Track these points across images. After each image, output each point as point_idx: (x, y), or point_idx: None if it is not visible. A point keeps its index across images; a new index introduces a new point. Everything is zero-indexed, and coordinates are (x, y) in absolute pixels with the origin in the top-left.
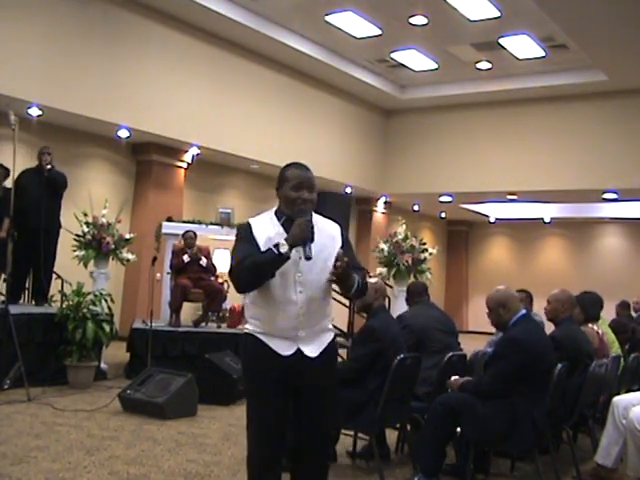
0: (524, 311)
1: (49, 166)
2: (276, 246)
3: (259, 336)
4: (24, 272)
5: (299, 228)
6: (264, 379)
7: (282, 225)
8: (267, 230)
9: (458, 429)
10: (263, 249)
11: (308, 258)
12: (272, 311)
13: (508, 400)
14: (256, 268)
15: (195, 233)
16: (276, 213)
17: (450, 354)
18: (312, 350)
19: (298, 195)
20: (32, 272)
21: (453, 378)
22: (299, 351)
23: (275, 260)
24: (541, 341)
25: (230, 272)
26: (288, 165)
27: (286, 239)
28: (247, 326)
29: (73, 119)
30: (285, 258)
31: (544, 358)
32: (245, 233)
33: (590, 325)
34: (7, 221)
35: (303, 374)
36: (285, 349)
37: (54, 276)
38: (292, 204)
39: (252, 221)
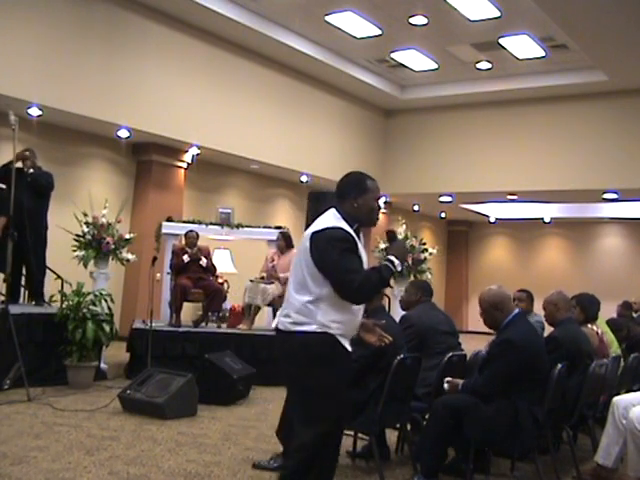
0: (517, 311)
1: (31, 170)
2: (391, 262)
3: (338, 337)
4: (17, 273)
5: (404, 247)
6: (342, 379)
7: (355, 231)
8: (359, 243)
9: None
10: (363, 260)
11: (400, 273)
12: (353, 314)
13: (509, 400)
14: (382, 284)
15: (198, 233)
16: (344, 218)
17: (450, 354)
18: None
19: (378, 205)
20: (25, 273)
21: (448, 379)
22: (353, 349)
23: (391, 275)
24: (535, 341)
25: (358, 287)
26: (363, 175)
27: (395, 256)
28: (322, 328)
29: (73, 119)
30: None
31: (539, 357)
32: (352, 244)
33: (590, 325)
34: (3, 219)
35: (351, 370)
36: (349, 346)
37: (54, 276)
38: (372, 213)
39: (349, 230)
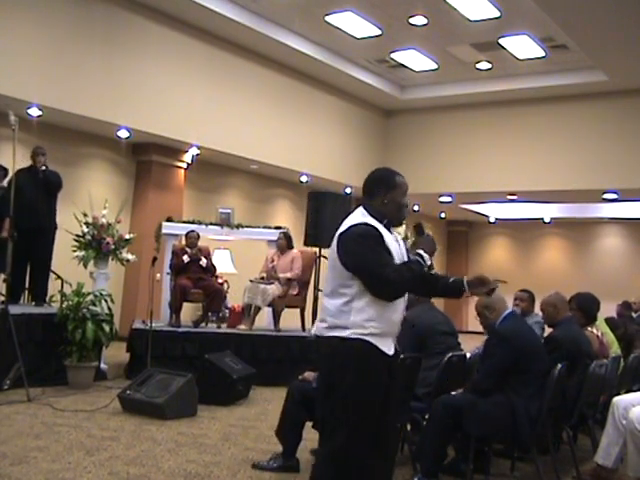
0: (510, 310)
1: (43, 167)
2: (421, 257)
3: (370, 339)
4: (22, 272)
5: (432, 241)
6: (374, 386)
7: (385, 227)
8: (387, 236)
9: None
10: (394, 255)
11: (431, 268)
12: (392, 308)
13: (505, 394)
14: (415, 280)
15: (198, 234)
16: (372, 215)
17: (450, 354)
18: (396, 345)
19: (406, 201)
20: (30, 273)
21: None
22: (395, 348)
23: (423, 270)
24: (527, 335)
25: (390, 282)
26: (391, 171)
27: (425, 251)
28: (357, 332)
29: (73, 119)
30: None
31: (532, 351)
32: (379, 239)
33: (590, 328)
34: (7, 221)
35: (394, 372)
36: (390, 348)
37: (53, 276)
38: (400, 210)
39: (377, 226)
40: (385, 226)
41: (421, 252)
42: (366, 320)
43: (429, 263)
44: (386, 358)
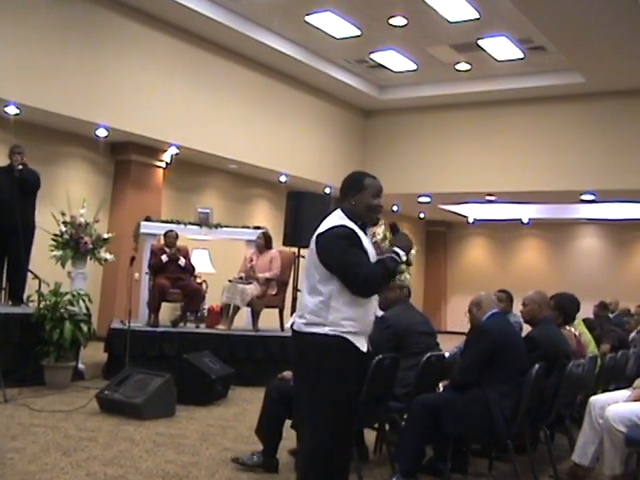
0: (496, 309)
1: (20, 166)
2: (396, 254)
3: (347, 336)
4: None
5: (408, 238)
6: (351, 382)
7: (360, 228)
8: (363, 236)
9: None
10: (369, 254)
11: (410, 264)
12: (367, 308)
13: (481, 389)
14: (389, 276)
15: (177, 233)
16: (348, 217)
17: (428, 354)
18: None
19: (377, 202)
20: (6, 273)
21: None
22: (368, 346)
23: (398, 266)
24: (509, 333)
25: (364, 280)
26: (361, 174)
27: (400, 247)
28: (335, 330)
29: (51, 118)
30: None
31: (512, 349)
32: (355, 240)
33: (567, 327)
34: None
35: (366, 369)
36: (363, 345)
37: (31, 276)
38: (372, 210)
39: (354, 228)
40: (360, 227)
41: (397, 249)
42: (343, 319)
43: (404, 259)
44: (361, 355)
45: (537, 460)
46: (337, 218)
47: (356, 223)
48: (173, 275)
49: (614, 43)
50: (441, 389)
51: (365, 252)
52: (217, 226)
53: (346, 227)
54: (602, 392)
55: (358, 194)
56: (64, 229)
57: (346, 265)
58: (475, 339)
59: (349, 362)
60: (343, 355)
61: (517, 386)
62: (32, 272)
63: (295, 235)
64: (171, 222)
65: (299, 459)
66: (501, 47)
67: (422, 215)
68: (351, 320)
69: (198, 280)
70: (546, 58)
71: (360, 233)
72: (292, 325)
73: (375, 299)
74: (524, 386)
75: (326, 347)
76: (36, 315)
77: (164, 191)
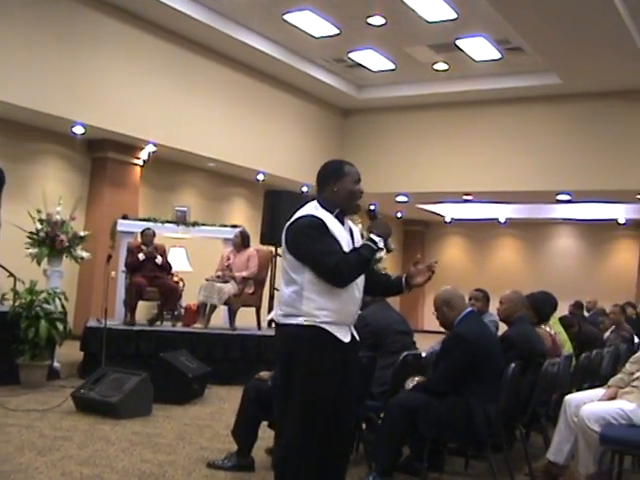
0: (470, 309)
1: None
2: (372, 241)
3: (325, 326)
4: None
5: (386, 225)
6: (327, 372)
7: (336, 217)
8: (334, 224)
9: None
10: (342, 243)
11: (390, 250)
12: (344, 297)
13: (461, 396)
14: (363, 263)
15: (154, 231)
16: (323, 206)
17: (405, 353)
18: (353, 333)
19: (359, 188)
20: None
21: (415, 379)
22: (352, 336)
23: (374, 253)
24: (486, 337)
25: (334, 268)
26: (340, 161)
27: (377, 234)
28: (309, 320)
29: (27, 115)
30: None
31: (490, 354)
32: (323, 229)
33: (543, 326)
34: None
35: (351, 360)
36: (345, 336)
37: (6, 274)
38: (353, 197)
39: (321, 215)
40: (337, 216)
41: (373, 236)
42: (317, 308)
43: (381, 246)
44: (341, 345)
45: (512, 458)
46: (309, 208)
47: (332, 212)
48: (150, 273)
49: (590, 45)
50: (409, 386)
51: (336, 240)
52: (194, 224)
53: (314, 217)
54: (577, 391)
55: (339, 181)
56: (40, 227)
57: (315, 254)
58: (452, 347)
59: (325, 353)
60: (318, 346)
61: (497, 388)
62: (7, 270)
63: (272, 234)
64: (148, 220)
65: (275, 457)
66: (479, 47)
67: (400, 214)
68: (326, 310)
69: (175, 278)
70: (523, 59)
71: (331, 222)
72: (271, 320)
73: (357, 289)
74: (501, 386)
75: (299, 338)
76: (11, 313)
77: (141, 189)
